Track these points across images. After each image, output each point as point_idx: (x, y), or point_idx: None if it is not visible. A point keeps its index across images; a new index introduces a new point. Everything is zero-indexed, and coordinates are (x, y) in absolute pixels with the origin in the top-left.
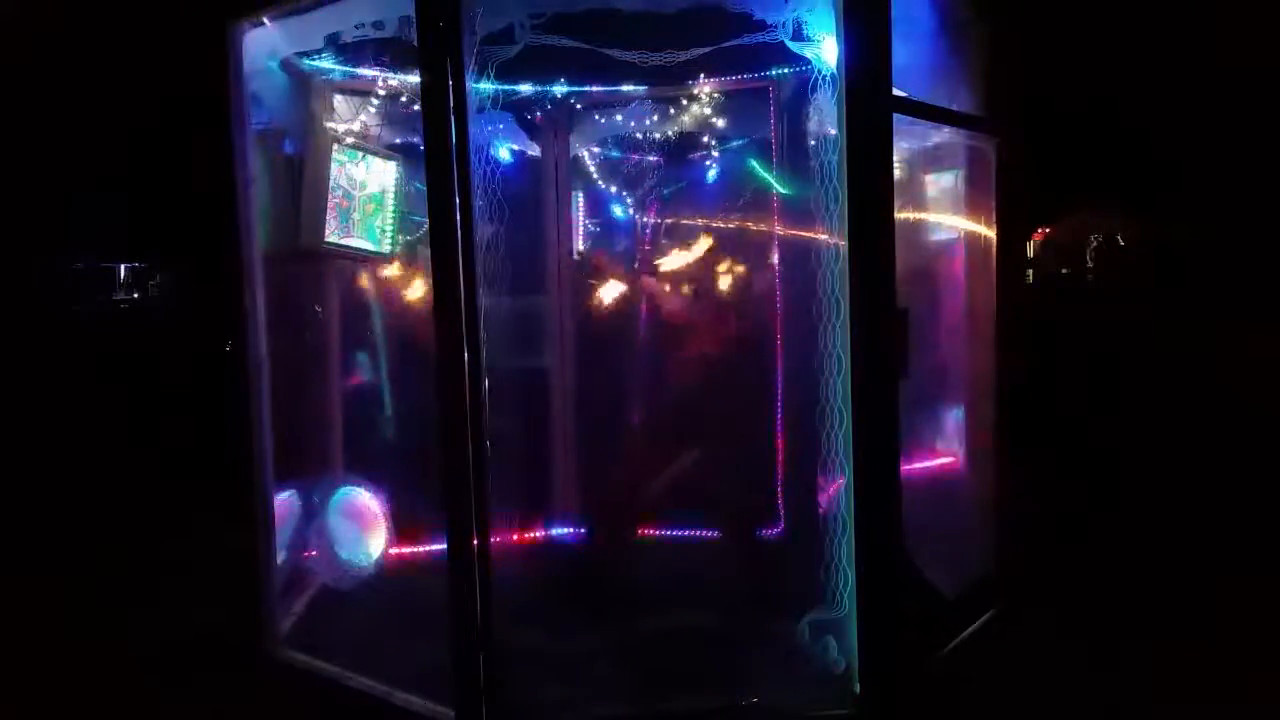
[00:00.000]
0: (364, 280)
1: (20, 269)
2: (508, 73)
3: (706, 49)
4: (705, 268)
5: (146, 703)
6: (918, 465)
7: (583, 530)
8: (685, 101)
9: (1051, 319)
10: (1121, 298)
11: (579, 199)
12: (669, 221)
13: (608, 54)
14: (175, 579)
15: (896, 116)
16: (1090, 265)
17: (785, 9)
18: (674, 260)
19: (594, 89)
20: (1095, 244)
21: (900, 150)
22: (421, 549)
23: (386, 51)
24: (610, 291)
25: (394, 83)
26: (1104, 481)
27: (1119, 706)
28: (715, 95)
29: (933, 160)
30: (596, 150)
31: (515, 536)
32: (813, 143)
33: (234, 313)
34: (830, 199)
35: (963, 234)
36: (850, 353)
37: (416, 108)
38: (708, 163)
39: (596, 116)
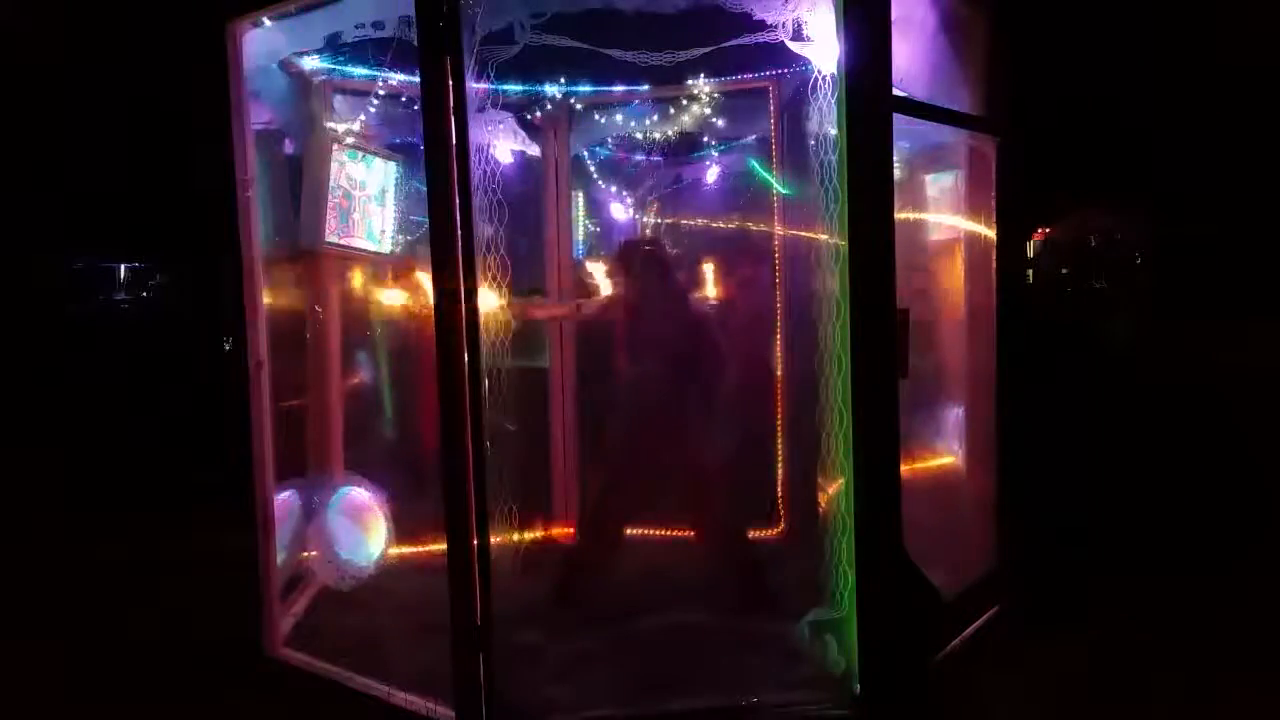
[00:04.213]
0: (364, 280)
1: (20, 269)
2: (508, 72)
3: (706, 49)
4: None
5: (147, 703)
6: (918, 465)
7: (581, 529)
8: (685, 101)
9: (1052, 319)
10: (1122, 297)
11: (579, 199)
12: (669, 221)
13: (608, 54)
14: (175, 579)
15: (896, 116)
16: (1090, 265)
17: (785, 9)
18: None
19: (594, 89)
20: (1095, 244)
21: (900, 150)
22: (421, 549)
23: (386, 51)
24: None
25: (394, 83)
26: (1104, 481)
27: (1120, 706)
28: (715, 95)
29: (933, 160)
30: (596, 150)
31: (515, 536)
32: (813, 143)
33: (234, 313)
34: (830, 199)
35: (963, 234)
36: (850, 353)
37: (416, 108)
38: (708, 163)
39: (596, 116)
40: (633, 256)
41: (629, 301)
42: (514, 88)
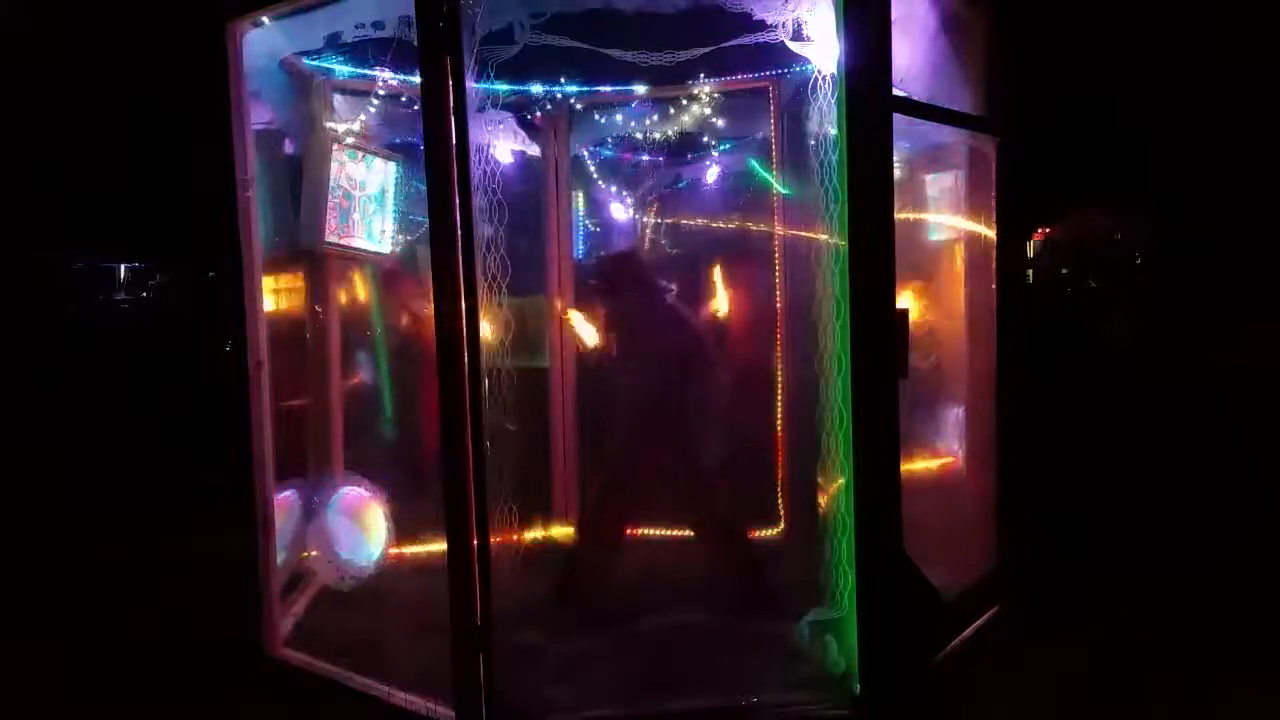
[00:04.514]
0: (364, 280)
1: (20, 269)
2: (507, 72)
3: (706, 49)
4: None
5: (147, 703)
6: (918, 465)
7: (581, 529)
8: (685, 101)
9: (1051, 319)
10: (1122, 297)
11: (579, 199)
12: (669, 221)
13: (608, 54)
14: (175, 579)
15: (896, 116)
16: (1090, 265)
17: (785, 9)
18: None
19: (594, 89)
20: (1095, 244)
21: (900, 150)
22: (421, 549)
23: (386, 51)
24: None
25: (394, 83)
26: (1104, 480)
27: (1120, 706)
28: (715, 95)
29: (933, 160)
30: (596, 150)
31: (515, 536)
32: (813, 143)
33: (234, 313)
34: (830, 199)
35: (963, 234)
36: (850, 353)
37: (416, 108)
38: (708, 163)
39: (596, 116)
40: (611, 270)
41: (619, 310)
42: (514, 88)
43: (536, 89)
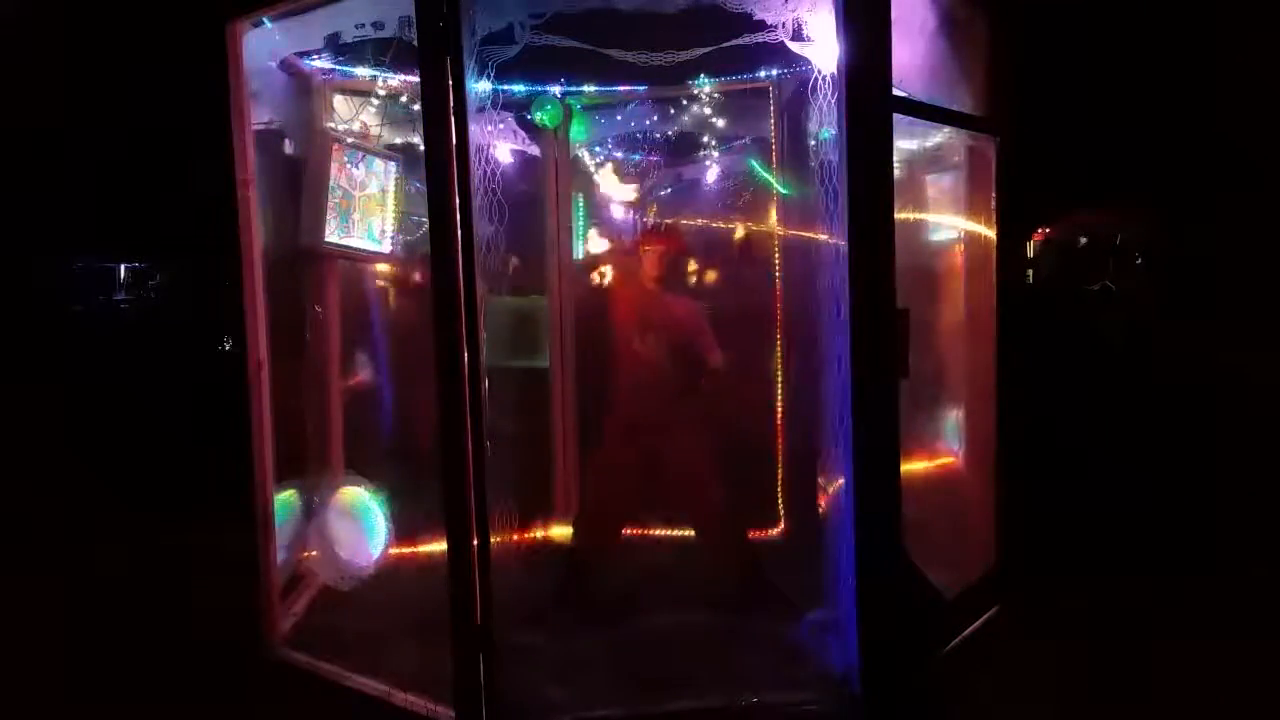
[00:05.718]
0: (364, 280)
1: (20, 269)
2: (507, 73)
3: (706, 49)
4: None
5: (147, 703)
6: (918, 465)
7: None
8: (685, 101)
9: (1051, 319)
10: (1122, 298)
11: (579, 199)
12: (669, 221)
13: (608, 54)
14: (175, 579)
15: (896, 116)
16: (1090, 265)
17: (785, 9)
18: None
19: (594, 89)
20: (1095, 244)
21: (900, 150)
22: (421, 549)
23: (386, 51)
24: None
25: (394, 83)
26: (1104, 480)
27: (1120, 706)
28: (715, 95)
29: (933, 160)
30: (596, 150)
31: (515, 536)
32: (813, 143)
33: (234, 313)
34: (830, 199)
35: (963, 234)
36: (850, 353)
37: (416, 108)
38: (708, 163)
39: (596, 116)
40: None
41: (630, 302)
42: (515, 88)
43: (537, 89)
